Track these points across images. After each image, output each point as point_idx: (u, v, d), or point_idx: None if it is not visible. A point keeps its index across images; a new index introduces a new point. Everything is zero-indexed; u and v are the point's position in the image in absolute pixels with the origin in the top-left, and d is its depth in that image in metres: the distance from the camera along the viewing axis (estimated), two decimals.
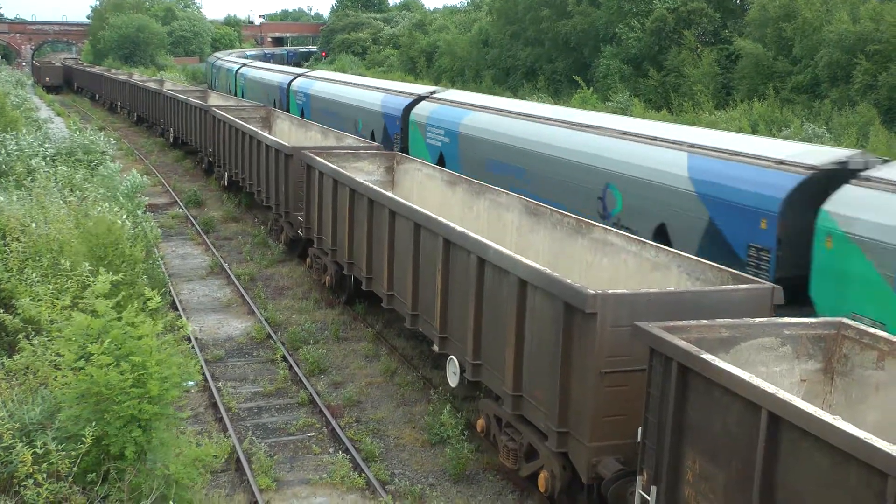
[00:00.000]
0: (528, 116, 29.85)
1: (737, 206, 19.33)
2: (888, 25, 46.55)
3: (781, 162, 19.37)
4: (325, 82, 51.54)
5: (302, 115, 49.35)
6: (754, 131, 42.20)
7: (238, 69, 73.88)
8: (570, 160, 25.10)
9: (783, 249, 18.42)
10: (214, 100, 53.92)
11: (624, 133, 24.53)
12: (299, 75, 57.94)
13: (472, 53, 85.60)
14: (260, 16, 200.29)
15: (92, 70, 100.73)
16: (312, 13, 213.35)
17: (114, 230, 19.88)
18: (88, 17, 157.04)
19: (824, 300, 16.78)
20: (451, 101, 35.39)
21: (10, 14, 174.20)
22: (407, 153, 32.94)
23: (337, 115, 44.86)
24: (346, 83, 49.09)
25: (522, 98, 58.03)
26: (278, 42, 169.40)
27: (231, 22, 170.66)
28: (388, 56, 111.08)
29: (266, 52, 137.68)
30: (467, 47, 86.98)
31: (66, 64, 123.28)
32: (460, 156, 31.79)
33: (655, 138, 23.35)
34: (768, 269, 18.45)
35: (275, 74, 63.12)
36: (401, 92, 40.33)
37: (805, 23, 51.49)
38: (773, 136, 38.25)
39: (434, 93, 38.55)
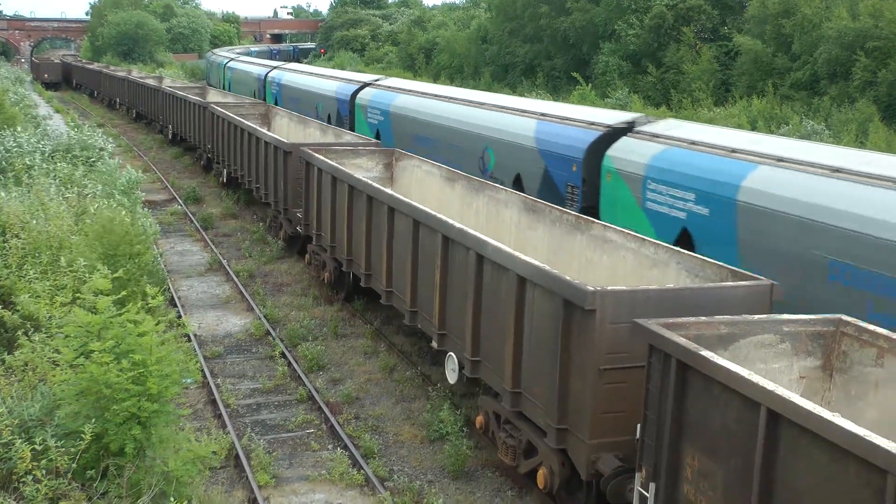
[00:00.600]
0: (436, 96, 35.47)
1: (560, 156, 25.25)
2: (887, 22, 46.58)
3: (591, 123, 25.22)
4: (294, 73, 56.90)
5: (276, 103, 54.00)
6: (753, 128, 42.22)
7: (226, 63, 77.39)
8: (460, 129, 30.81)
9: (586, 185, 24.18)
10: (213, 96, 53.89)
11: (501, 107, 30.20)
12: (275, 68, 62.89)
13: (470, 50, 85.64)
14: (288, 12, 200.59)
15: (91, 67, 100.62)
16: (311, 10, 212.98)
17: (123, 226, 19.94)
18: (87, 14, 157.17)
19: (607, 219, 21.06)
20: (387, 87, 41.12)
21: (8, 11, 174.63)
22: (353, 130, 38.77)
23: (302, 101, 49.91)
24: (309, 74, 55.09)
25: (521, 95, 58.06)
26: (277, 39, 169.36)
27: (230, 18, 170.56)
28: (387, 53, 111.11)
29: (273, 48, 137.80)
30: (466, 44, 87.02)
31: (64, 61, 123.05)
32: (392, 131, 36.68)
33: (519, 110, 29.29)
34: (577, 201, 24.25)
35: (255, 67, 68.39)
36: (350, 80, 46.02)
37: (804, 19, 51.51)
38: (772, 132, 38.26)
39: (377, 80, 43.95)
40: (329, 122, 43.16)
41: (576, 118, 26.15)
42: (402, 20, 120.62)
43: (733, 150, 19.79)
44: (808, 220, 16.57)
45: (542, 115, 27.67)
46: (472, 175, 23.42)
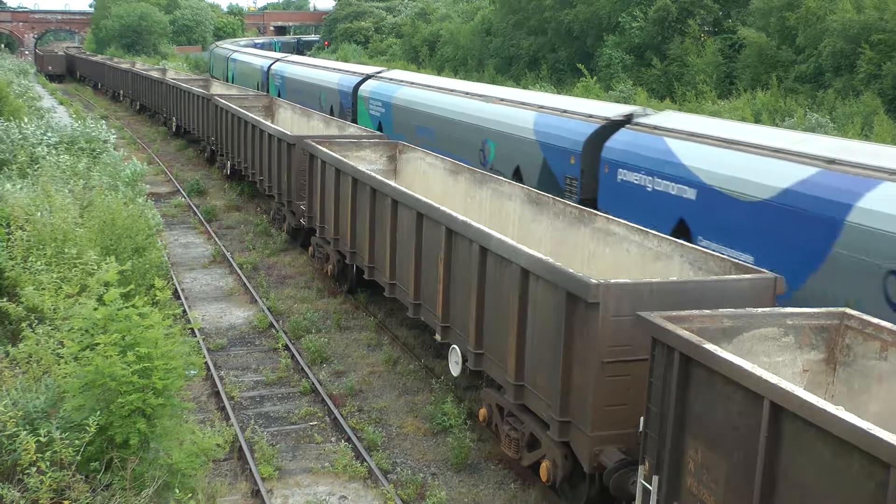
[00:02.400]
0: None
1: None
2: (893, 14, 46.44)
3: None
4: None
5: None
6: (757, 121, 42.15)
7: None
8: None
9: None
10: (217, 89, 53.91)
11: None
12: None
13: (474, 42, 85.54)
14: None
15: (94, 59, 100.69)
16: (312, 8, 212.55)
17: (128, 219, 19.98)
18: (91, 6, 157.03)
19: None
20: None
21: (13, 3, 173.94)
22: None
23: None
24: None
25: (525, 87, 58.01)
26: (280, 31, 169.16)
27: (234, 11, 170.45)
28: (391, 45, 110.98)
29: (274, 40, 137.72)
30: (470, 36, 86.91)
31: (68, 53, 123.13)
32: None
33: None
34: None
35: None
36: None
37: (809, 12, 51.38)
38: (777, 125, 38.20)
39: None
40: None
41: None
42: (406, 12, 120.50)
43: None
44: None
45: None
46: (473, 167, 23.82)
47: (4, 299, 15.18)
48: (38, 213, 19.01)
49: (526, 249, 14.20)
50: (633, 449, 12.06)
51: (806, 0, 51.65)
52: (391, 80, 41.44)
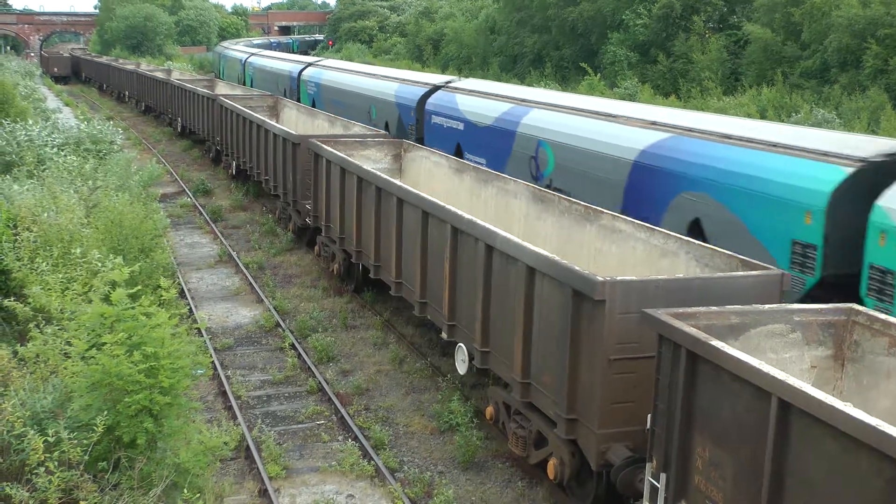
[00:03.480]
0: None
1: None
2: None
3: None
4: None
5: (313, 105, 49.55)
6: (763, 117, 42.10)
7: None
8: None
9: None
10: (222, 89, 53.91)
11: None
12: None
13: (478, 41, 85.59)
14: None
15: (99, 60, 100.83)
16: (319, 1, 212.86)
17: (134, 219, 20.00)
18: (96, 8, 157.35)
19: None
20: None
21: (18, 5, 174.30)
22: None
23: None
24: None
25: (530, 85, 57.96)
26: (285, 31, 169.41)
27: (238, 11, 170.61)
28: (395, 44, 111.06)
29: (272, 41, 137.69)
30: (474, 35, 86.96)
31: (73, 54, 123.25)
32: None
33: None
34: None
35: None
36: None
37: (814, 7, 51.28)
38: (783, 121, 38.15)
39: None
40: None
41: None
42: (410, 11, 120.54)
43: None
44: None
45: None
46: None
47: (12, 299, 15.19)
48: (45, 214, 19.04)
49: (531, 247, 14.18)
50: (640, 446, 12.04)
51: None
52: (471, 91, 35.28)
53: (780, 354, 11.24)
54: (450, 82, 38.62)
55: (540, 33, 75.46)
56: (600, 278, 12.21)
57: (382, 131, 31.65)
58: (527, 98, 31.12)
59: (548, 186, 24.78)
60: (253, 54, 75.60)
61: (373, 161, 25.14)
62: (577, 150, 25.07)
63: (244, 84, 70.00)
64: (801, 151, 19.00)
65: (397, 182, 20.50)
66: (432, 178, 24.25)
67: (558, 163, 26.08)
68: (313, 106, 47.97)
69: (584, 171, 24.56)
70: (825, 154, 18.47)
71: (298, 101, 51.84)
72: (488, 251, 15.35)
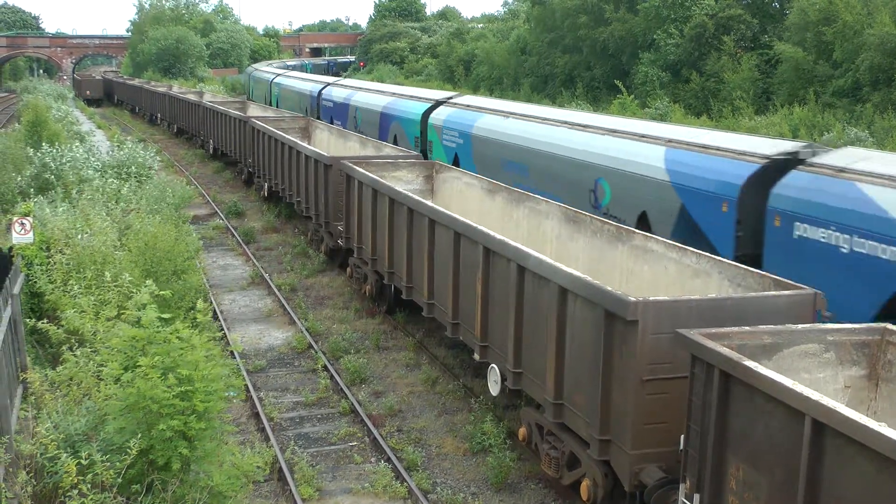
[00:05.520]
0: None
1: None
2: None
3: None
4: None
5: (331, 122, 50.69)
6: (794, 136, 41.90)
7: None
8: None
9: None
10: (253, 111, 54.23)
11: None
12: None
13: (510, 61, 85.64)
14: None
15: (132, 83, 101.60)
16: (350, 23, 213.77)
17: (167, 242, 20.13)
18: (128, 31, 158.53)
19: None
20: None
21: (51, 28, 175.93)
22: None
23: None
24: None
25: (561, 106, 57.92)
26: (316, 52, 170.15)
27: (269, 33, 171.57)
28: (427, 65, 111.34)
29: (307, 62, 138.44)
30: (505, 55, 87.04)
31: (106, 77, 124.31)
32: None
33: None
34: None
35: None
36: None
37: (846, 26, 51.03)
38: (816, 140, 37.95)
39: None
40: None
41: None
42: (441, 32, 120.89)
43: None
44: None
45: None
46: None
47: (45, 322, 15.31)
48: (79, 237, 19.19)
49: (564, 268, 14.18)
50: (673, 467, 12.00)
51: (843, 14, 51.32)
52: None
53: (814, 374, 11.19)
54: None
55: (571, 53, 75.47)
56: (632, 299, 12.19)
57: (414, 152, 31.72)
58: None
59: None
60: (278, 75, 77.32)
61: (404, 182, 25.21)
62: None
63: (270, 103, 71.27)
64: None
65: (429, 203, 20.55)
66: (464, 199, 24.28)
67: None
68: (331, 122, 49.76)
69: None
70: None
71: (318, 118, 53.46)
72: (520, 272, 15.35)
